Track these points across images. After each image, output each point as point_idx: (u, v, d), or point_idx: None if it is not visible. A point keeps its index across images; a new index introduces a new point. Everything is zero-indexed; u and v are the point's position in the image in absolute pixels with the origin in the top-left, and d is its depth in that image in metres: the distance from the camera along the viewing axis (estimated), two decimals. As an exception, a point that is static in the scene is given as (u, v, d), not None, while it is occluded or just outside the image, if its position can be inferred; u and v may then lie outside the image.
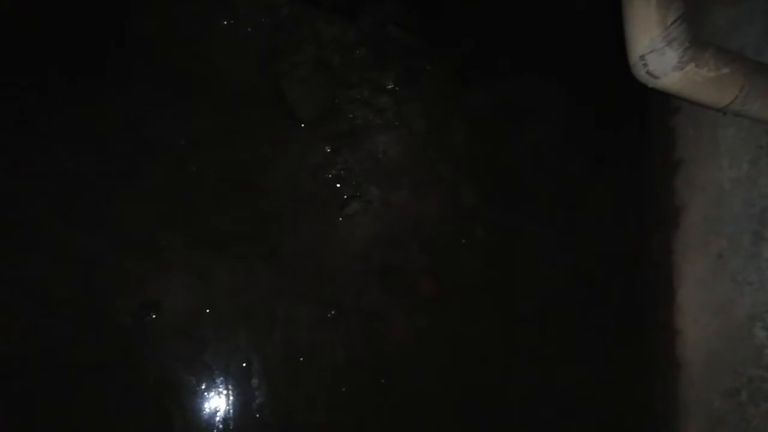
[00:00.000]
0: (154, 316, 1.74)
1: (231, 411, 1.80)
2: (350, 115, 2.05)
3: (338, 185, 1.99)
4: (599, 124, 2.24)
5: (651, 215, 2.15)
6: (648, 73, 1.67)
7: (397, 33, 2.13)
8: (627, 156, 2.22)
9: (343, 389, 1.91)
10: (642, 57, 1.65)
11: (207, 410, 1.79)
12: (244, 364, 1.82)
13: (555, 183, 2.19)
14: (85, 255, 1.71)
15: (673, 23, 1.60)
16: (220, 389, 1.80)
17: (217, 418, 1.79)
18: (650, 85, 1.69)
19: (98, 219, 1.77)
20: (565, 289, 2.15)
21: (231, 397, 1.81)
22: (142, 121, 1.86)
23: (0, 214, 1.69)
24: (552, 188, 2.19)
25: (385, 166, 2.06)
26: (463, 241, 2.08)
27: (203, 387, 1.78)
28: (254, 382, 1.83)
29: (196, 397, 1.78)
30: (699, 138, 1.96)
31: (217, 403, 1.79)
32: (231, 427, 1.80)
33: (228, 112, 1.93)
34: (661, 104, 2.07)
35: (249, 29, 2.01)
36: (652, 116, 2.15)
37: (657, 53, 1.61)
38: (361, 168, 2.02)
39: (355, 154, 2.03)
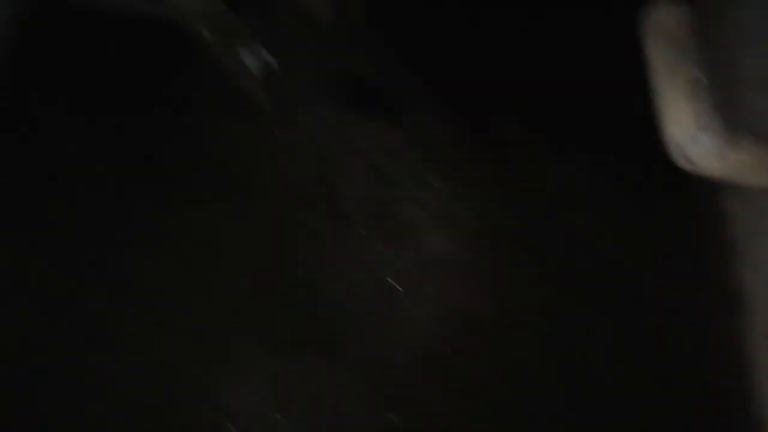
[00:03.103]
0: (230, 426, 1.84)
1: None
2: (400, 213, 2.15)
3: (393, 284, 2.07)
4: (648, 210, 2.19)
5: (710, 301, 2.08)
6: (686, 159, 1.67)
7: (439, 131, 2.25)
8: (682, 242, 2.16)
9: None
10: (678, 144, 1.67)
11: None
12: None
13: (611, 277, 2.14)
14: (155, 357, 1.86)
15: (705, 111, 1.61)
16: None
17: None
18: (690, 171, 1.69)
19: (175, 325, 1.93)
20: (624, 394, 2.04)
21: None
22: (212, 232, 2.09)
23: (90, 328, 1.87)
24: (609, 283, 2.14)
25: (439, 264, 2.11)
26: (526, 339, 2.07)
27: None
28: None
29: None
30: (752, 217, 1.92)
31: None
32: None
33: (287, 218, 2.11)
34: (709, 185, 2.05)
35: (303, 139, 2.21)
36: (701, 198, 2.12)
37: (692, 141, 1.62)
38: (415, 267, 2.09)
39: (408, 253, 2.10)
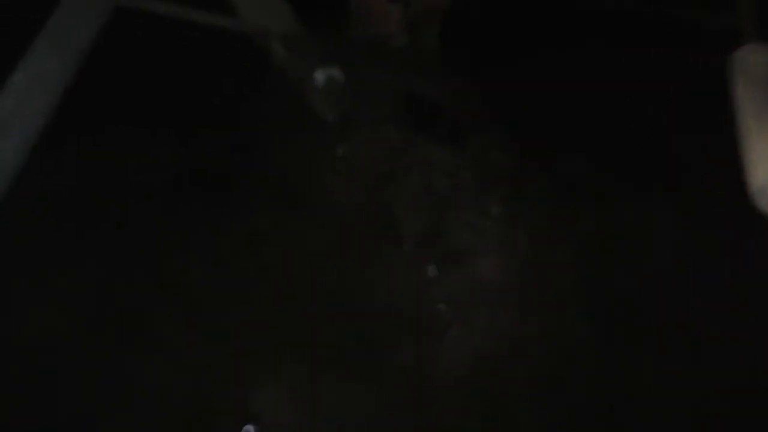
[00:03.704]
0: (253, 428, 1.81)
1: None
2: (454, 237, 2.13)
3: (441, 306, 2.03)
4: (722, 252, 2.12)
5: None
6: (769, 203, 1.62)
7: (502, 159, 2.24)
8: (759, 287, 2.05)
9: None
10: (762, 189, 1.62)
11: None
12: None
13: (674, 319, 2.06)
14: (198, 363, 1.85)
15: (793, 155, 1.56)
16: None
17: None
18: (771, 216, 1.62)
19: (217, 327, 1.93)
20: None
21: None
22: (263, 243, 2.09)
23: (132, 323, 1.90)
24: (671, 325, 2.05)
25: (489, 289, 2.07)
26: (571, 370, 1.98)
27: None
28: None
29: None
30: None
31: None
32: None
33: (340, 234, 2.10)
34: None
35: (363, 157, 2.23)
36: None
37: (776, 185, 1.57)
38: (464, 290, 2.05)
39: (458, 276, 2.07)
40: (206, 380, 1.84)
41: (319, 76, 2.31)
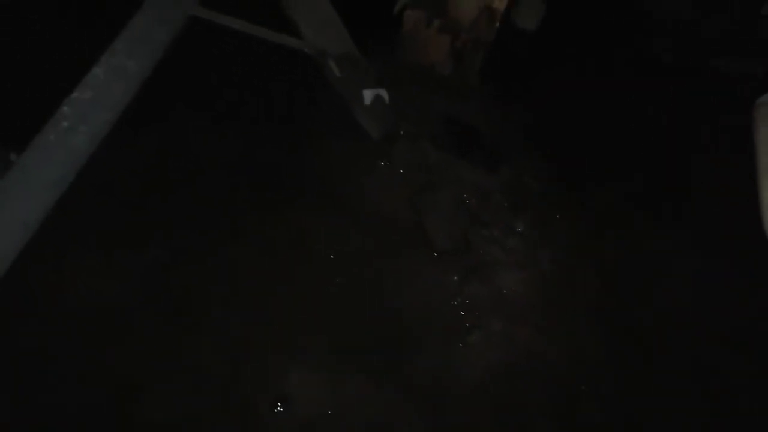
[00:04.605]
0: (283, 409, 1.93)
1: None
2: (481, 251, 2.25)
3: (463, 313, 2.13)
4: (739, 286, 2.20)
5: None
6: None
7: (532, 184, 2.38)
8: None
9: None
10: None
11: None
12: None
13: (688, 347, 2.13)
14: (237, 343, 1.99)
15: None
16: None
17: None
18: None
19: (255, 313, 2.07)
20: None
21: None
22: (305, 238, 2.24)
23: (182, 300, 2.05)
24: (685, 346, 2.13)
25: (510, 303, 2.17)
26: (586, 389, 2.06)
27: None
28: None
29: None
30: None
31: None
32: None
33: (374, 237, 2.24)
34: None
35: (402, 170, 2.39)
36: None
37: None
38: (486, 301, 2.16)
39: (482, 287, 2.18)
40: (243, 360, 1.97)
41: (368, 94, 2.49)
